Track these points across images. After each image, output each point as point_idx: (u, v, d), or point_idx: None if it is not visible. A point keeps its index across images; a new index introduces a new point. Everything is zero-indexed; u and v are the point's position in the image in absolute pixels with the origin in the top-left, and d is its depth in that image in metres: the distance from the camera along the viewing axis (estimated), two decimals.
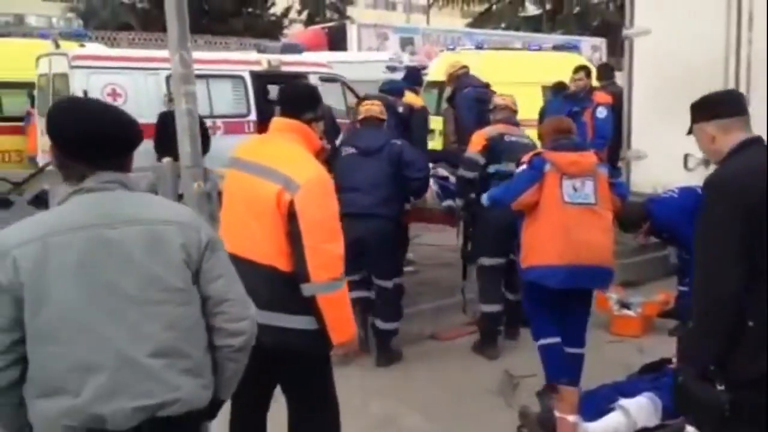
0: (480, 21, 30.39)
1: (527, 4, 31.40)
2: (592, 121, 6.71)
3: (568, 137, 4.30)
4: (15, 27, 27.71)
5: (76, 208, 1.93)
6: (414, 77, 8.11)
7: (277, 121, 2.98)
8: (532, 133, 5.25)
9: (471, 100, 7.25)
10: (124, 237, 1.90)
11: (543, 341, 4.24)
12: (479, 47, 12.60)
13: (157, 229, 1.95)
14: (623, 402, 3.80)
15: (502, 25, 28.79)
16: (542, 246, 4.10)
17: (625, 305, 5.62)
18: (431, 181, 5.49)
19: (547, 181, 4.07)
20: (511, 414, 4.11)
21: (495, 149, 5.08)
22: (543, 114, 7.67)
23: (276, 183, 2.74)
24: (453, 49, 13.22)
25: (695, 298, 2.41)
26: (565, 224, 4.04)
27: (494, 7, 31.32)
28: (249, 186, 2.83)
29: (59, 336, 1.83)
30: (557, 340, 4.21)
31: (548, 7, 29.55)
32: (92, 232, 1.88)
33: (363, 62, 13.46)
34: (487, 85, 7.36)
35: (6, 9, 37.12)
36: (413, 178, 4.97)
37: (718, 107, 2.54)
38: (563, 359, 4.22)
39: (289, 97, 3.07)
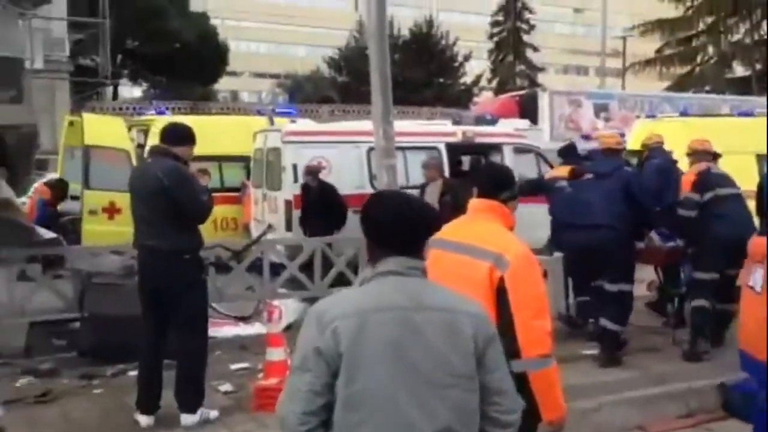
0: (681, 84, 29.01)
1: (734, 64, 29.57)
2: None
3: None
4: (231, 103, 30.83)
5: (385, 290, 2.12)
6: (570, 152, 8.03)
7: (476, 202, 3.07)
8: (750, 205, 5.17)
9: (655, 168, 7.15)
10: (427, 322, 2.08)
11: None
12: (683, 113, 11.92)
13: (454, 317, 2.11)
14: None
15: (706, 88, 27.24)
16: None
17: None
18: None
19: None
20: None
21: (705, 180, 5.95)
22: (762, 185, 7.06)
23: (486, 261, 2.81)
24: (653, 116, 12.59)
25: None
26: None
27: (697, 69, 29.79)
28: (457, 265, 2.89)
29: (366, 405, 2.02)
30: None
31: (758, 66, 27.61)
32: (402, 314, 2.07)
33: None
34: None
35: (224, 86, 41.48)
36: (646, 207, 6.01)
37: None
38: None
39: (486, 179, 3.18)
